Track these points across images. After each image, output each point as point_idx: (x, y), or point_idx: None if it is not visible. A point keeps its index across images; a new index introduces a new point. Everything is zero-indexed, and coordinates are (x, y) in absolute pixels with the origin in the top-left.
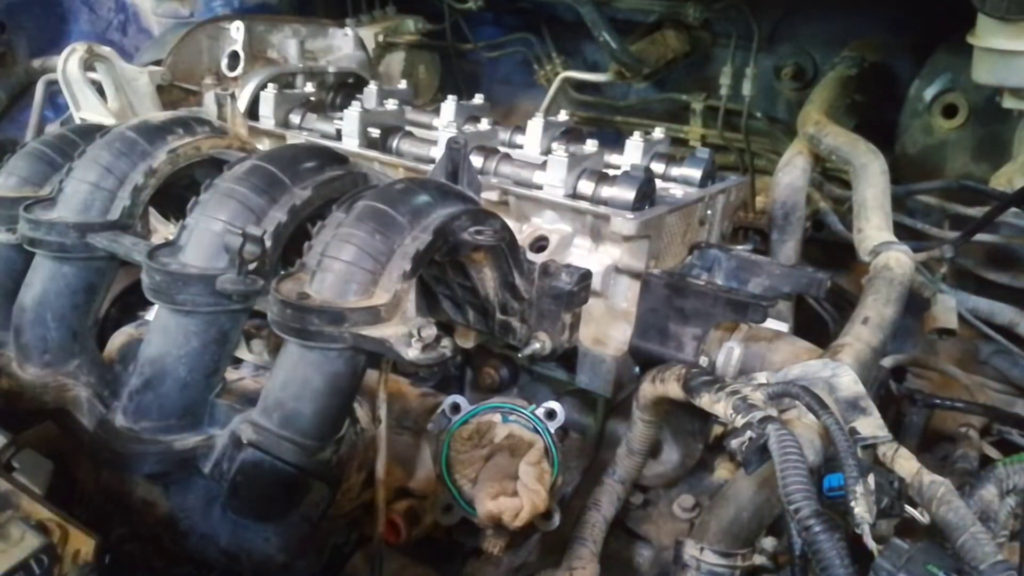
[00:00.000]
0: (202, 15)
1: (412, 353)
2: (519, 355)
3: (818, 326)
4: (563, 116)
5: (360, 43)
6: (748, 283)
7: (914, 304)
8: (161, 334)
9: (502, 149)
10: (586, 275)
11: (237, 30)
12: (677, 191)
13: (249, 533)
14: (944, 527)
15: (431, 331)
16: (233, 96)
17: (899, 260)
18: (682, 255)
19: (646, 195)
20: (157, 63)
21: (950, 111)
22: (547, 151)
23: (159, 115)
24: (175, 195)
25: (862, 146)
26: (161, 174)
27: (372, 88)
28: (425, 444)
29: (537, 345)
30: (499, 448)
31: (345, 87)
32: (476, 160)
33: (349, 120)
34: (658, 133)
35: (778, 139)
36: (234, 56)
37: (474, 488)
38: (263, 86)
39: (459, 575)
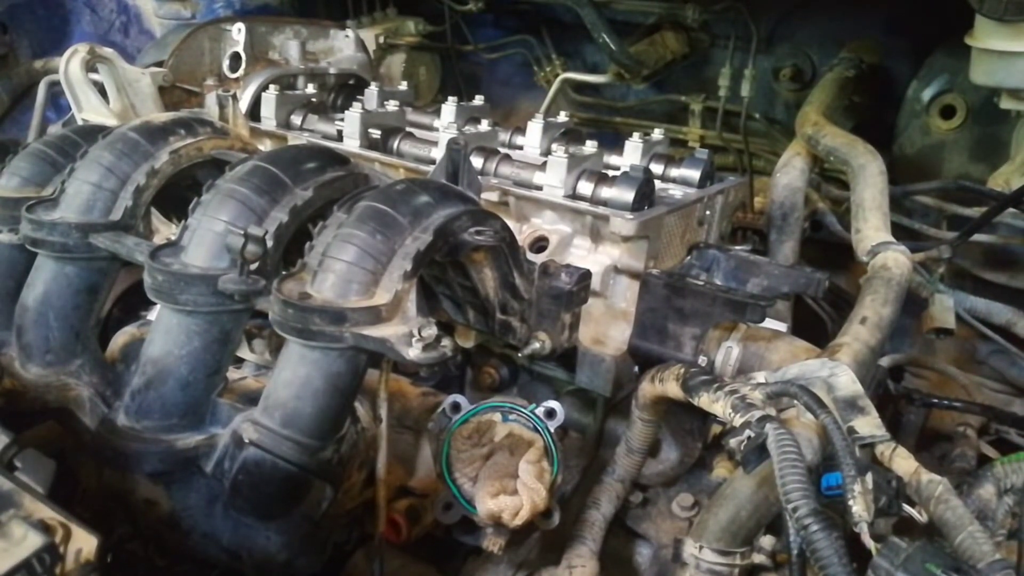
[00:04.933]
0: (204, 16)
1: (413, 353)
2: (519, 355)
3: (816, 326)
4: (563, 117)
5: (361, 44)
6: (747, 283)
7: (912, 304)
8: (163, 334)
9: (502, 150)
10: (585, 275)
11: (239, 31)
12: (676, 192)
13: (251, 532)
14: (942, 526)
15: (431, 331)
16: (235, 97)
17: (897, 260)
18: (681, 255)
19: (645, 196)
20: (159, 64)
21: (948, 112)
22: (547, 152)
23: (161, 116)
24: (177, 196)
25: (860, 147)
26: (163, 175)
27: (373, 89)
28: (426, 443)
29: (537, 345)
30: (499, 447)
31: (346, 88)
32: (476, 161)
33: (350, 121)
34: (657, 134)
35: (776, 140)
36: (235, 57)
37: (474, 487)
38: (264, 87)
39: (459, 573)
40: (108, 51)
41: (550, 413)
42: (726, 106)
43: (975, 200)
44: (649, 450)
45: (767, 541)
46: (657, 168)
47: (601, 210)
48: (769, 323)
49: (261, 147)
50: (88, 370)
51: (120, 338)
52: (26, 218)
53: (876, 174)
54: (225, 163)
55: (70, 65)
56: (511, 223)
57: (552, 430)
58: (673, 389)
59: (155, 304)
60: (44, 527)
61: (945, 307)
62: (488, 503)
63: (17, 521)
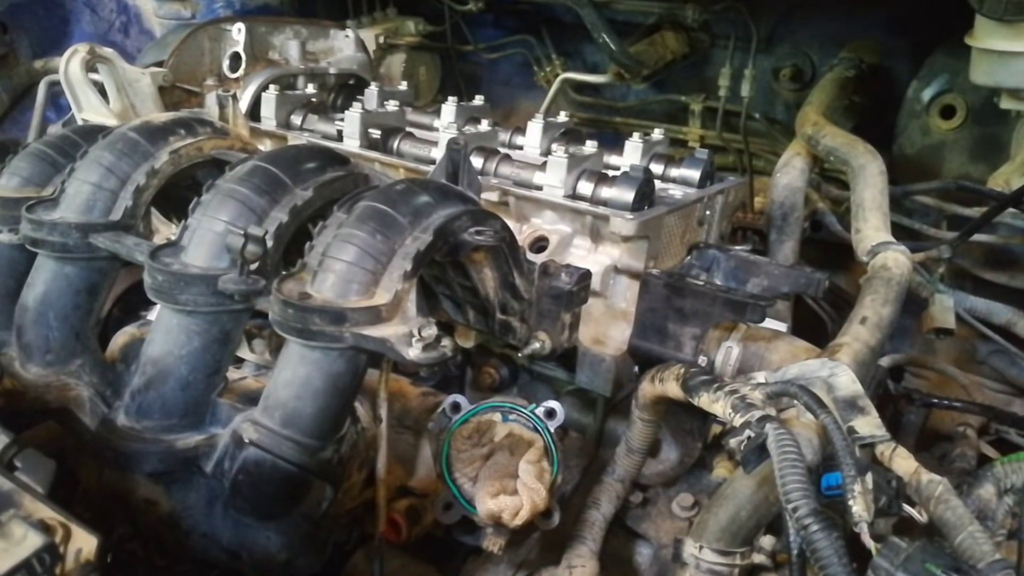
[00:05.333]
0: (204, 16)
1: (413, 353)
2: (519, 355)
3: (816, 326)
4: (563, 117)
5: (361, 44)
6: (747, 283)
7: (912, 304)
8: (163, 334)
9: (502, 150)
10: (585, 275)
11: (239, 31)
12: (676, 192)
13: (251, 532)
14: (942, 526)
15: (431, 331)
16: (235, 97)
17: (897, 260)
18: (681, 255)
19: (645, 196)
20: (159, 64)
21: (948, 112)
22: (547, 152)
23: (161, 116)
24: (177, 196)
25: (860, 147)
26: (163, 175)
27: (373, 89)
28: (426, 443)
29: (537, 345)
30: (499, 447)
31: (346, 88)
32: (476, 161)
33: (350, 121)
34: (657, 134)
35: (776, 140)
36: (235, 57)
37: (474, 487)
38: (264, 87)
39: (459, 573)
40: (108, 51)
41: (550, 413)
42: (726, 106)
43: (975, 200)
44: (649, 450)
45: (767, 541)
46: (657, 168)
47: (601, 210)
48: (769, 323)
49: (261, 147)
50: (88, 370)
51: (120, 338)
52: (26, 218)
53: (876, 174)
54: (225, 163)
55: (70, 65)
56: (511, 223)
57: (552, 430)
58: (673, 389)
59: (155, 304)
60: (44, 527)
61: (945, 307)
62: (488, 503)
63: (17, 521)
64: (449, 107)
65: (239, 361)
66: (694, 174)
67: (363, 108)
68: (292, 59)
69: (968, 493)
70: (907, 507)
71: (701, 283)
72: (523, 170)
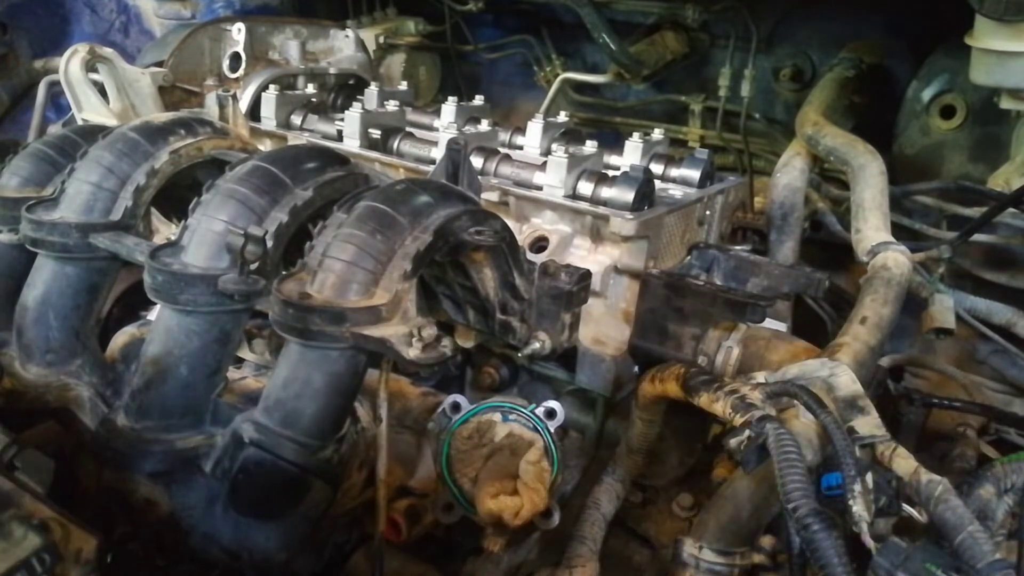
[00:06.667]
0: (204, 16)
1: (413, 353)
2: (519, 355)
3: (816, 326)
4: (563, 117)
5: (361, 44)
6: (747, 283)
7: (912, 304)
8: (163, 334)
9: (502, 150)
10: (585, 275)
11: (239, 31)
12: (676, 192)
13: (251, 531)
14: (942, 526)
15: (431, 331)
16: (235, 97)
17: (897, 260)
18: (681, 255)
19: (645, 196)
20: (159, 64)
21: (948, 112)
22: (547, 152)
23: (161, 116)
24: (177, 196)
25: (860, 147)
26: (163, 175)
27: (373, 89)
28: (426, 443)
29: (537, 345)
30: (499, 447)
31: (346, 88)
32: (476, 161)
33: (350, 121)
34: (657, 134)
35: (776, 140)
36: (236, 57)
37: (474, 487)
38: (264, 87)
39: (459, 573)
40: (108, 51)
41: (550, 413)
42: (726, 106)
43: (975, 200)
44: (649, 450)
45: (767, 541)
46: (657, 168)
47: (601, 210)
48: (769, 323)
49: (261, 147)
50: (88, 370)
51: (120, 338)
52: (26, 218)
53: (876, 174)
54: (225, 163)
55: (70, 65)
56: (511, 223)
57: (552, 430)
58: (673, 389)
59: (155, 304)
60: (44, 527)
61: (945, 307)
62: (488, 503)
63: (17, 521)
64: (449, 107)
65: (239, 361)
66: (694, 174)
67: (363, 108)
68: (292, 59)
69: (968, 493)
70: (907, 507)
71: (701, 283)
72: (523, 170)
